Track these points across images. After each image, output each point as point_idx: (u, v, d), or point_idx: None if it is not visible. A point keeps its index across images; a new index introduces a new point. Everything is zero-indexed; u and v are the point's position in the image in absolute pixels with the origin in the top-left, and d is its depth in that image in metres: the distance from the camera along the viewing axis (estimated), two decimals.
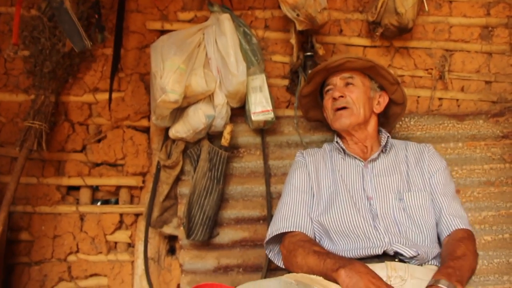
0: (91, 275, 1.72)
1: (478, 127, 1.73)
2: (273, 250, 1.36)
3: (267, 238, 1.32)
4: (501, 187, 1.69)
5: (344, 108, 1.36)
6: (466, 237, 1.24)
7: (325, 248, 1.23)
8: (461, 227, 1.26)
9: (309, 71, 1.64)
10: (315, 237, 1.31)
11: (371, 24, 1.74)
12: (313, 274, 1.12)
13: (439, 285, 1.03)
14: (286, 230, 1.27)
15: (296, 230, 1.27)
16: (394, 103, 1.48)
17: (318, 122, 1.69)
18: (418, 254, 1.17)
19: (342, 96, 1.36)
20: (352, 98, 1.36)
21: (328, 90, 1.42)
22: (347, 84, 1.39)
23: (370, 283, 1.00)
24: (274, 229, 1.30)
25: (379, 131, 1.44)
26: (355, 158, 1.37)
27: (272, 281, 0.99)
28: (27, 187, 1.74)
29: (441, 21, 1.81)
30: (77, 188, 1.78)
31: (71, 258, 1.72)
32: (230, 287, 1.03)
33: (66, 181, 1.75)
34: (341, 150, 1.39)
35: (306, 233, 1.28)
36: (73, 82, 1.78)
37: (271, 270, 1.57)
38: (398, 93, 1.45)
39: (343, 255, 1.22)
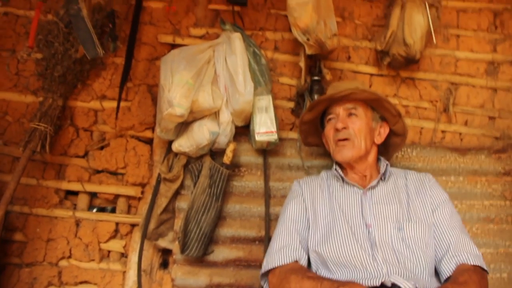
0: (81, 282, 1.70)
1: (480, 162, 1.73)
2: (267, 281, 1.33)
3: (263, 270, 1.30)
4: (500, 224, 1.68)
5: (346, 139, 1.36)
6: (473, 269, 1.19)
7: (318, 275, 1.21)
8: (470, 263, 1.20)
9: (315, 96, 1.66)
10: (310, 267, 1.29)
11: (379, 53, 1.76)
12: None
13: None
14: (280, 264, 1.25)
15: (289, 262, 1.26)
16: (394, 134, 1.49)
17: (320, 147, 1.70)
18: (416, 287, 1.15)
19: (345, 128, 1.37)
20: (355, 130, 1.37)
21: (330, 119, 1.42)
22: (350, 114, 1.39)
23: None
24: (270, 260, 1.28)
25: (378, 159, 1.44)
26: (354, 186, 1.36)
27: None
28: (26, 188, 1.74)
29: (448, 54, 1.83)
30: (75, 193, 1.78)
31: (63, 263, 1.70)
32: None
33: (65, 185, 1.75)
34: (339, 178, 1.39)
35: (299, 262, 1.26)
36: (81, 88, 1.80)
37: None
38: (400, 124, 1.46)
39: None
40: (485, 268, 1.23)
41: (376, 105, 1.43)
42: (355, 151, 1.35)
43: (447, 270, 1.24)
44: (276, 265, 1.26)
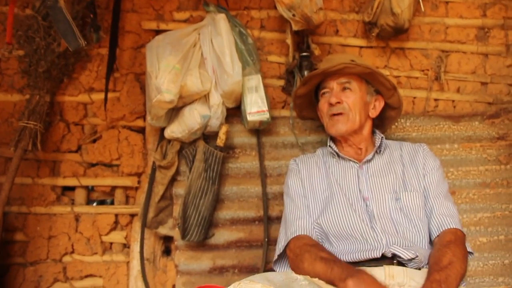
0: (86, 276, 1.71)
1: (474, 128, 1.74)
2: (282, 266, 1.35)
3: (279, 252, 1.31)
4: (496, 188, 1.70)
5: (340, 114, 1.35)
6: (453, 240, 1.21)
7: (332, 254, 1.22)
8: (451, 227, 1.25)
9: (305, 72, 1.64)
10: (318, 240, 1.31)
11: (367, 25, 1.73)
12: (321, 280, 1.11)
13: None
14: (293, 236, 1.27)
15: (301, 233, 1.28)
16: (389, 107, 1.48)
17: (314, 123, 1.69)
18: (417, 257, 1.17)
19: (338, 102, 1.36)
20: (349, 104, 1.36)
21: (324, 93, 1.41)
22: (344, 89, 1.38)
23: None
24: (283, 242, 1.30)
25: (373, 133, 1.44)
26: (350, 160, 1.37)
27: (279, 274, 0.99)
28: (22, 188, 1.73)
29: (437, 22, 1.81)
30: (72, 189, 1.77)
31: (66, 258, 1.71)
32: None
33: (61, 182, 1.74)
34: (334, 153, 1.39)
35: (311, 236, 1.28)
36: (68, 82, 1.77)
37: (267, 271, 1.57)
38: (395, 97, 1.46)
39: (342, 258, 1.21)
40: (464, 232, 1.27)
41: (370, 79, 1.42)
42: (349, 125, 1.34)
43: (431, 232, 1.28)
44: (290, 237, 1.28)
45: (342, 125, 1.34)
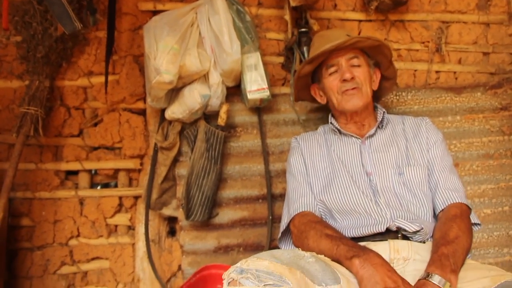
0: (93, 259, 1.73)
1: (476, 99, 1.72)
2: (287, 243, 1.35)
3: (282, 229, 1.32)
4: (500, 159, 1.69)
5: (354, 88, 1.33)
6: (459, 214, 1.21)
7: (337, 231, 1.21)
8: (456, 201, 1.24)
9: (304, 48, 1.62)
10: (321, 216, 1.31)
11: None
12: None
13: (432, 280, 1.00)
14: (296, 212, 1.27)
15: (306, 209, 1.28)
16: (384, 78, 1.48)
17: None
18: (422, 229, 1.16)
19: (353, 78, 1.34)
20: (361, 78, 1.35)
21: (331, 71, 1.38)
22: (352, 64, 1.37)
23: (386, 276, 0.99)
24: (286, 219, 1.31)
25: (374, 107, 1.43)
26: (352, 136, 1.36)
27: (286, 251, 0.99)
28: (26, 173, 1.74)
29: None
30: (75, 173, 1.78)
31: (72, 242, 1.73)
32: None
33: (64, 166, 1.75)
34: (336, 130, 1.38)
35: (315, 213, 1.28)
36: (67, 66, 1.76)
37: (272, 249, 1.57)
38: (391, 69, 1.46)
39: (346, 233, 1.21)
40: (470, 206, 1.27)
41: (373, 52, 1.41)
42: (364, 99, 1.33)
43: (436, 206, 1.27)
44: (294, 213, 1.28)
45: (359, 99, 1.32)
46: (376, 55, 1.42)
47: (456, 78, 1.78)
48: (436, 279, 1.00)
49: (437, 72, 1.78)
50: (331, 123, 1.40)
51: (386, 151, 1.32)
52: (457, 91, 1.72)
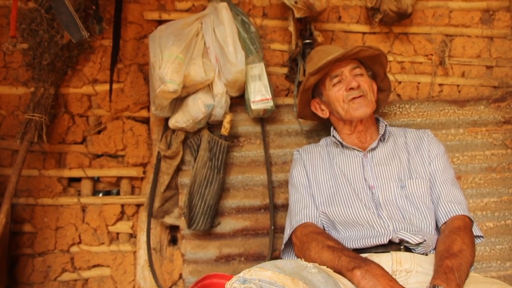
0: (94, 266, 1.73)
1: (479, 112, 1.72)
2: (290, 255, 1.35)
3: (285, 241, 1.33)
4: (503, 173, 1.69)
5: (360, 96, 1.34)
6: (462, 227, 1.21)
7: (339, 242, 1.21)
8: (459, 213, 1.24)
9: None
10: (323, 228, 1.31)
11: (370, 10, 1.72)
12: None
13: None
14: (298, 224, 1.28)
15: (308, 221, 1.28)
16: (379, 89, 1.51)
17: None
18: (425, 241, 1.16)
19: (359, 86, 1.35)
20: (365, 87, 1.36)
21: (335, 81, 1.39)
22: (355, 74, 1.38)
23: (388, 286, 0.99)
24: (289, 231, 1.31)
25: (376, 120, 1.44)
26: (354, 149, 1.36)
27: (289, 262, 0.99)
28: (29, 179, 1.75)
29: (441, 5, 1.79)
30: (78, 180, 1.78)
31: (74, 249, 1.73)
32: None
33: (67, 173, 1.76)
34: (338, 143, 1.39)
35: (317, 224, 1.28)
36: (72, 74, 1.78)
37: (274, 259, 1.57)
38: (386, 80, 1.49)
39: (348, 244, 1.21)
40: (472, 218, 1.27)
41: (371, 62, 1.42)
42: (370, 107, 1.35)
43: (438, 219, 1.27)
44: (296, 225, 1.28)
45: (366, 107, 1.34)
46: (374, 66, 1.43)
47: (459, 91, 1.79)
48: None
49: (440, 85, 1.78)
50: (333, 136, 1.40)
51: (388, 164, 1.32)
52: (460, 104, 1.73)
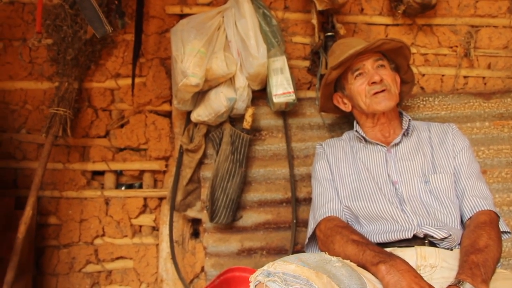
0: (117, 258, 1.76)
1: (506, 105, 1.68)
2: (314, 249, 1.35)
3: (309, 235, 1.32)
4: None
5: (383, 90, 1.33)
6: (488, 222, 1.18)
7: (364, 236, 1.20)
8: (484, 208, 1.22)
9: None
10: (347, 221, 1.30)
11: (393, 2, 1.70)
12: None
13: None
14: (322, 217, 1.27)
15: (332, 214, 1.27)
16: (403, 82, 1.48)
17: None
18: (450, 235, 1.15)
19: (382, 80, 1.34)
20: (388, 80, 1.35)
21: (357, 75, 1.37)
22: (378, 67, 1.36)
23: (412, 282, 0.97)
24: (314, 222, 1.30)
25: (400, 114, 1.42)
26: (377, 144, 1.35)
27: (312, 255, 0.98)
28: (54, 173, 1.78)
29: None
30: (101, 173, 1.81)
31: (98, 241, 1.76)
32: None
33: (91, 166, 1.78)
34: (361, 138, 1.38)
35: (341, 218, 1.28)
36: (95, 68, 1.80)
37: (296, 252, 1.57)
38: (409, 72, 1.47)
39: (372, 239, 1.20)
40: (499, 213, 1.24)
41: (394, 55, 1.40)
42: (393, 100, 1.34)
43: (463, 214, 1.25)
44: (320, 218, 1.28)
45: (390, 101, 1.32)
46: (397, 58, 1.41)
47: (485, 84, 1.75)
48: (467, 287, 0.98)
49: (465, 77, 1.75)
50: (356, 131, 1.39)
51: (412, 160, 1.31)
52: (486, 97, 1.69)
